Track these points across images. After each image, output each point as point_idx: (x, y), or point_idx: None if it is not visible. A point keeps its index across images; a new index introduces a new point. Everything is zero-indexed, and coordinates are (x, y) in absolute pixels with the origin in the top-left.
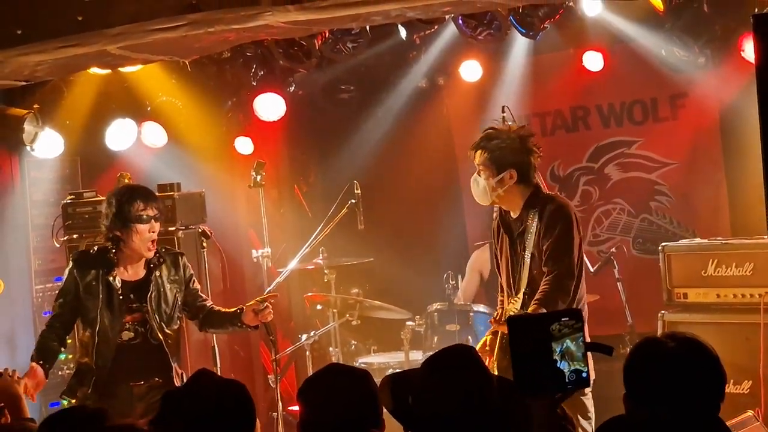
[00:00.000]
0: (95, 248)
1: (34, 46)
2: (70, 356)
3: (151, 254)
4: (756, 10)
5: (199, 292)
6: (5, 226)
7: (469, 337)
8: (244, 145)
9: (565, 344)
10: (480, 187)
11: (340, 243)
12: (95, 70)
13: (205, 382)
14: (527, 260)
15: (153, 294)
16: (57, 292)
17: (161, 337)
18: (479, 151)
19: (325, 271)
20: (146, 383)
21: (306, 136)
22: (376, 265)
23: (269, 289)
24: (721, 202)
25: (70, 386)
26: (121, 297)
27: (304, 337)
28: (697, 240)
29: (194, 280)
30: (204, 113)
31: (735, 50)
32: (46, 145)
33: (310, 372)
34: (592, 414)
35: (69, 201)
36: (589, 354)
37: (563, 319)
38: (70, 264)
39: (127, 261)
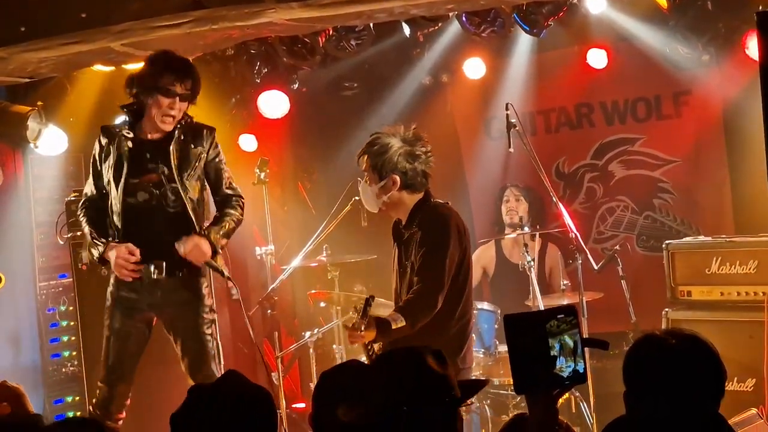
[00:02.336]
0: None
1: (37, 42)
2: (74, 353)
3: (167, 128)
4: (760, 7)
5: (226, 178)
6: (9, 223)
7: (473, 335)
8: (247, 142)
9: (562, 340)
10: (366, 193)
11: (343, 240)
12: (99, 67)
13: (233, 384)
14: (408, 270)
15: (174, 158)
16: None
17: (184, 198)
18: (363, 157)
19: (329, 269)
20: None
21: (310, 133)
22: (380, 262)
23: (273, 286)
24: (725, 200)
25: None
26: (134, 153)
27: (308, 334)
28: (701, 238)
29: (221, 160)
30: (208, 110)
31: (739, 48)
32: (50, 142)
33: (314, 369)
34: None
35: (73, 198)
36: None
37: (559, 316)
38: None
39: (145, 127)
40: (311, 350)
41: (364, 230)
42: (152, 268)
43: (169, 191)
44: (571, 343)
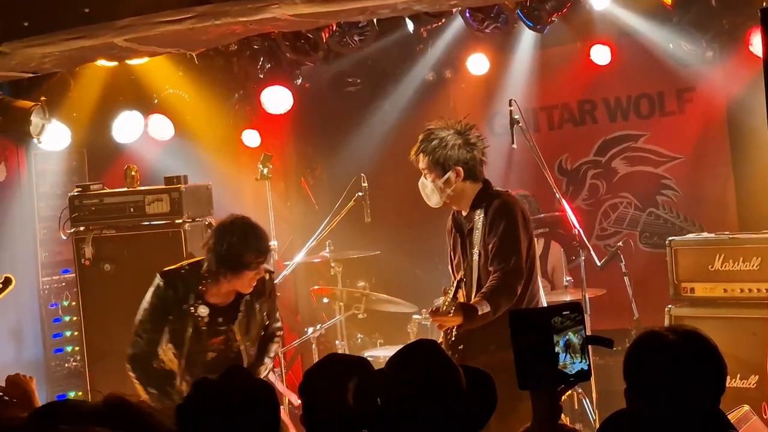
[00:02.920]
0: (186, 267)
1: (40, 38)
2: (77, 348)
3: (249, 290)
4: (764, 4)
5: (277, 315)
6: (12, 218)
7: None
8: (251, 137)
9: (567, 337)
10: (428, 190)
11: (346, 236)
12: (102, 63)
13: (237, 379)
14: (475, 258)
15: (241, 318)
16: (142, 313)
17: (242, 349)
18: (420, 155)
19: (332, 264)
20: None
21: (313, 128)
22: (383, 258)
23: (275, 282)
24: (728, 197)
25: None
26: (208, 323)
27: (311, 330)
28: (704, 234)
29: (275, 298)
30: (211, 106)
31: (742, 44)
32: (53, 137)
33: None
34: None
35: (76, 193)
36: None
37: (564, 312)
38: (159, 283)
39: (220, 289)
40: (314, 346)
41: (367, 226)
42: None
43: (233, 349)
44: (575, 340)
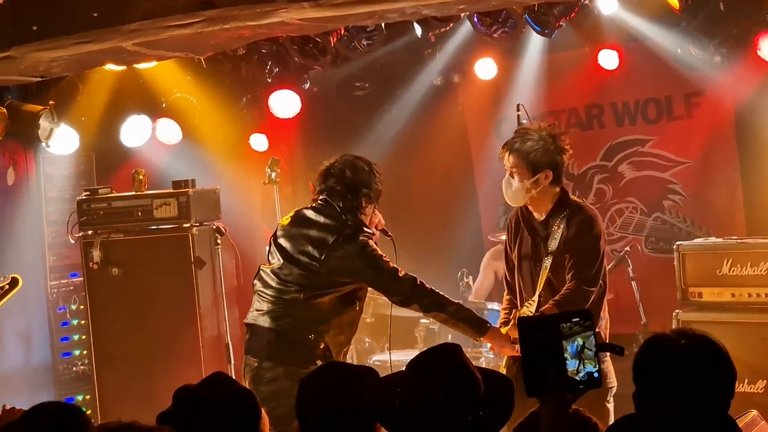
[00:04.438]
0: (360, 223)
1: (49, 42)
2: (85, 351)
3: None
4: None
5: None
6: (20, 222)
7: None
8: (258, 141)
9: (575, 344)
10: (513, 188)
11: None
12: (110, 67)
13: (218, 386)
14: (548, 264)
15: None
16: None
17: None
18: (513, 153)
19: None
20: None
21: (321, 133)
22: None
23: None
24: (736, 201)
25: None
26: None
27: None
28: (712, 239)
29: None
30: (219, 110)
31: (751, 49)
32: (62, 141)
33: None
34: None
35: (84, 197)
36: (607, 355)
37: (574, 319)
38: (366, 235)
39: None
40: None
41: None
42: None
43: None
44: (585, 347)
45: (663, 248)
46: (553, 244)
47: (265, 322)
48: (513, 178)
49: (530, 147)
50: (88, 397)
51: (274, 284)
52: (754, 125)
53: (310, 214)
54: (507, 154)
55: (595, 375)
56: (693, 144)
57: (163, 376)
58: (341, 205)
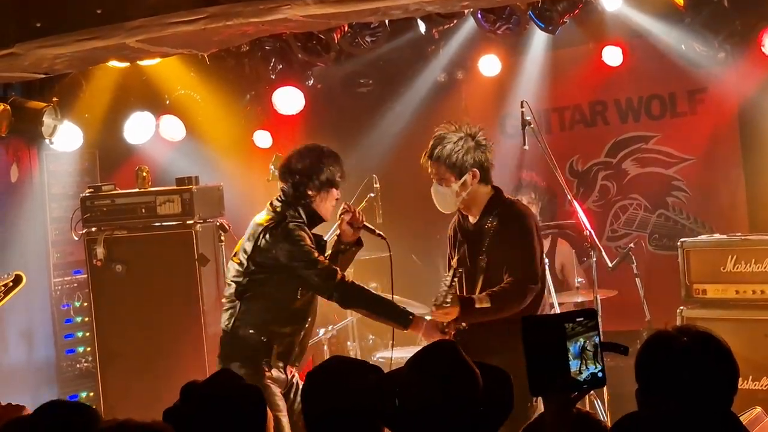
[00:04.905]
0: (297, 213)
1: (53, 39)
2: (89, 348)
3: (329, 219)
4: None
5: None
6: (24, 219)
7: None
8: (262, 138)
9: (579, 343)
10: (442, 195)
11: None
12: (114, 63)
13: (224, 382)
14: (482, 266)
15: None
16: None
17: None
18: (434, 161)
19: None
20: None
21: (324, 129)
22: (395, 259)
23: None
24: (739, 198)
25: (255, 351)
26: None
27: (322, 331)
28: (716, 236)
29: None
30: (222, 107)
31: (755, 45)
32: (65, 138)
33: None
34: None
35: (88, 194)
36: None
37: (578, 319)
38: (296, 224)
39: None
40: (326, 347)
41: (379, 227)
42: None
43: None
44: (589, 346)
45: (667, 245)
46: (488, 244)
47: (222, 324)
48: (440, 185)
49: (450, 150)
50: (91, 394)
51: (227, 286)
52: (757, 121)
53: (263, 210)
54: (429, 161)
55: (599, 375)
56: (697, 140)
57: (167, 373)
58: (284, 195)
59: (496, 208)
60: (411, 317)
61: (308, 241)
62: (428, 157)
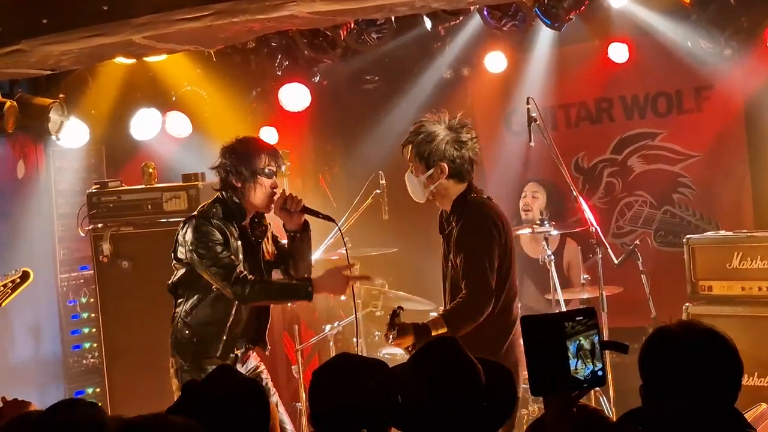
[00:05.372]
0: (216, 206)
1: (59, 35)
2: (95, 344)
3: (270, 211)
4: None
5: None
6: (30, 215)
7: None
8: (268, 135)
9: (578, 342)
10: (412, 183)
11: (364, 233)
12: (120, 60)
13: (225, 378)
14: (447, 271)
15: (262, 249)
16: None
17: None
18: (408, 146)
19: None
20: (245, 349)
21: (330, 126)
22: (401, 255)
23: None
24: (745, 195)
25: (185, 347)
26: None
27: (328, 327)
28: (722, 232)
29: None
30: (229, 103)
31: (761, 42)
32: (72, 134)
33: None
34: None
35: (94, 190)
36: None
37: (578, 318)
38: (205, 217)
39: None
40: (331, 343)
41: (385, 223)
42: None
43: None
44: (588, 345)
45: (672, 242)
46: (451, 247)
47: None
48: (411, 173)
49: (421, 140)
50: (98, 390)
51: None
52: (763, 118)
53: None
54: (404, 148)
55: (599, 373)
56: (703, 137)
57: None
58: (220, 191)
59: (459, 208)
60: (310, 287)
61: (214, 236)
62: (403, 143)
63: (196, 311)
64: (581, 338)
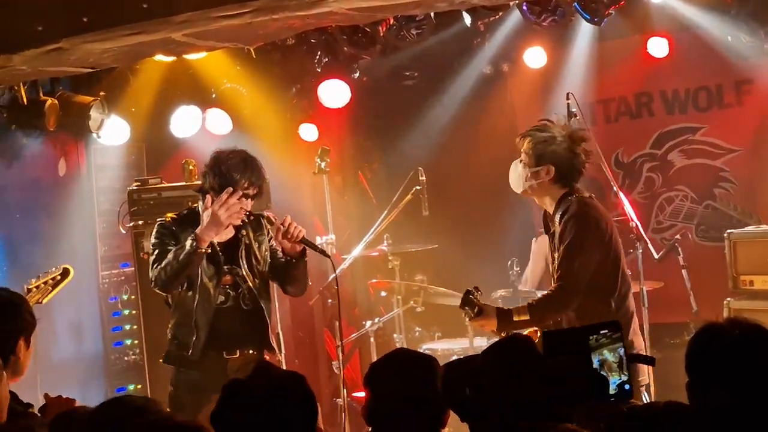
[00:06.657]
0: (184, 212)
1: (99, 33)
2: (136, 341)
3: (238, 222)
4: None
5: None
6: (72, 212)
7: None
8: (308, 131)
9: (602, 355)
10: (515, 172)
11: (404, 229)
12: (160, 57)
13: (265, 375)
14: (554, 266)
15: (242, 251)
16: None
17: (257, 302)
18: (526, 139)
19: (390, 258)
20: (240, 355)
21: (370, 122)
22: (441, 251)
23: (333, 275)
24: None
25: (170, 353)
26: (220, 254)
27: (369, 323)
28: (764, 227)
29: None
30: (268, 100)
31: None
32: (112, 131)
33: (374, 358)
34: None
35: (135, 187)
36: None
37: (602, 331)
38: (166, 223)
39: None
40: (372, 339)
41: (425, 219)
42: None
43: (245, 290)
44: (614, 358)
45: (714, 236)
46: (555, 244)
47: None
48: (519, 163)
49: (540, 138)
50: (139, 386)
51: None
52: None
53: None
54: (521, 139)
55: (626, 387)
56: (744, 132)
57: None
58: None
59: (562, 206)
60: (194, 241)
61: (162, 238)
62: (523, 135)
63: (173, 311)
64: (604, 351)
